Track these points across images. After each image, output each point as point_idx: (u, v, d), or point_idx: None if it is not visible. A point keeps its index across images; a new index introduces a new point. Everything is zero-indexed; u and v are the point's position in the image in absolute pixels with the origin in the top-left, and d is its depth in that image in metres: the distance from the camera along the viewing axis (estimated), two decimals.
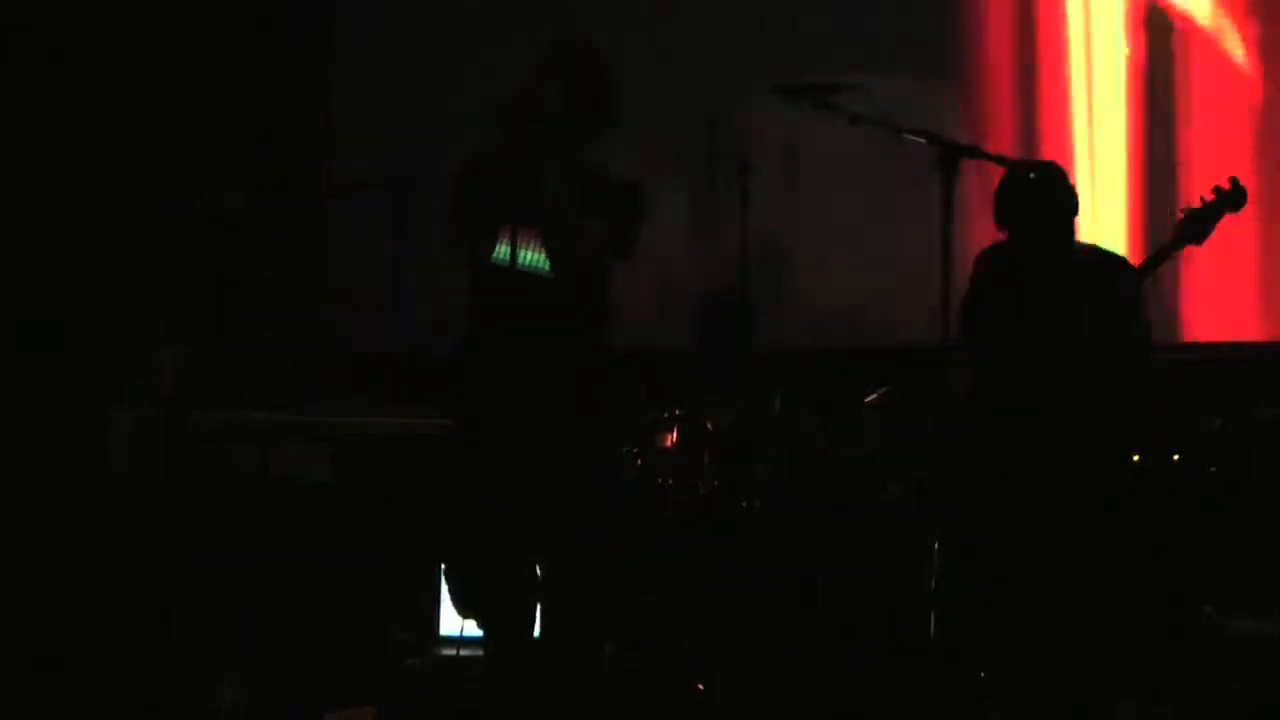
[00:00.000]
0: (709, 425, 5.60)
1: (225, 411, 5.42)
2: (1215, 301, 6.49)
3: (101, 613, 5.80)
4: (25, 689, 5.56)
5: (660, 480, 5.57)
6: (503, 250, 4.16)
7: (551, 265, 4.18)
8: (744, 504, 5.64)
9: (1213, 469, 5.67)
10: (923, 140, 4.29)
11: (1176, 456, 5.66)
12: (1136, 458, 5.46)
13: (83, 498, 5.99)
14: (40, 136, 6.86)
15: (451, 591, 4.48)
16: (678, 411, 5.64)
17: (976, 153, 4.30)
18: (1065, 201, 5.04)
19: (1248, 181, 4.87)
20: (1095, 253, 5.09)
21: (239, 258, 5.96)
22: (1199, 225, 4.83)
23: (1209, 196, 4.83)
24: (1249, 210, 4.90)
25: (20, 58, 6.90)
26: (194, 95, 7.09)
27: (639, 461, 5.61)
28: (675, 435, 5.61)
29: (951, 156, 4.24)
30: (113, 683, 5.55)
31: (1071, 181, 5.08)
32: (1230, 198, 4.83)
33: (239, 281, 5.89)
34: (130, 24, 7.03)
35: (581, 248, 4.17)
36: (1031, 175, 5.03)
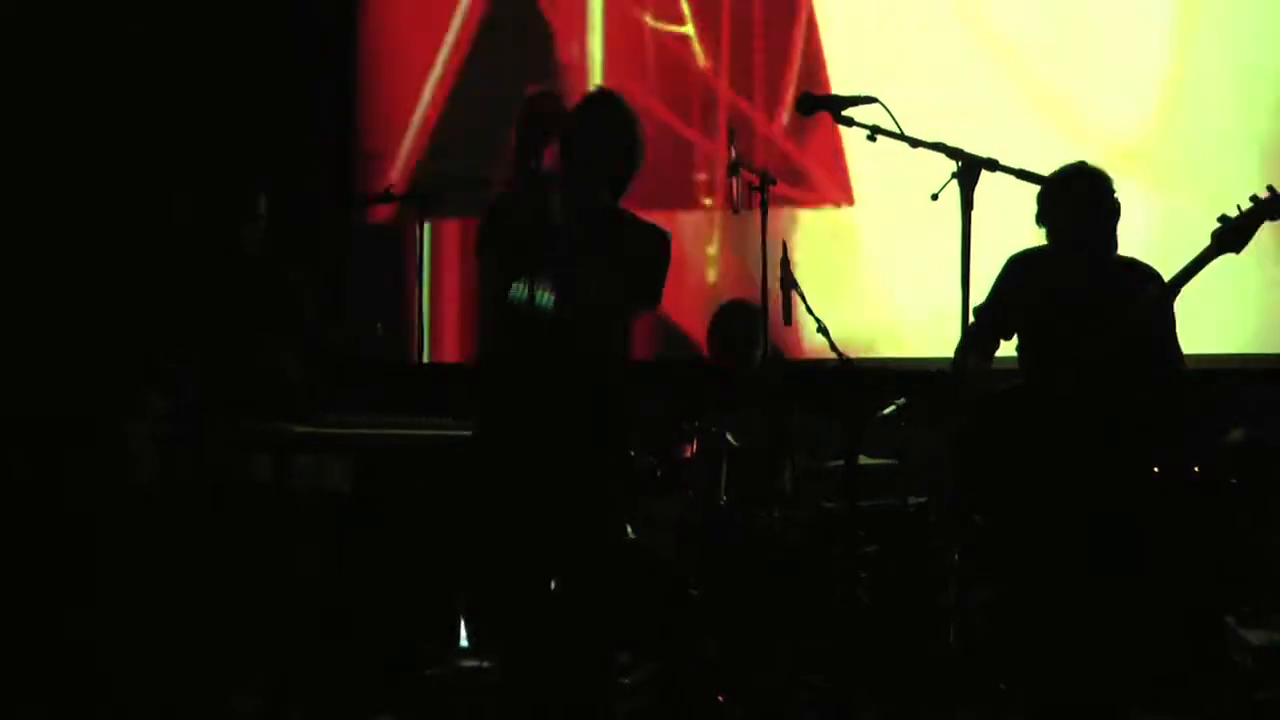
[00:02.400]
0: (729, 436, 5.60)
1: (245, 422, 5.45)
2: (1238, 313, 6.49)
3: (121, 621, 5.81)
4: (45, 695, 5.58)
5: (679, 491, 5.58)
6: (520, 290, 4.20)
7: (560, 309, 4.21)
8: (763, 515, 5.64)
9: (1235, 480, 5.65)
10: (942, 153, 4.28)
11: (1199, 468, 5.65)
12: (1158, 469, 5.44)
13: (102, 509, 6.01)
14: (61, 149, 6.90)
15: (468, 604, 4.49)
16: (697, 422, 5.63)
17: (997, 166, 4.28)
18: (1108, 206, 5.02)
19: None
20: (1129, 263, 5.08)
21: (261, 269, 5.98)
22: (1237, 235, 4.77)
23: (1245, 204, 4.79)
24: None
25: (39, 67, 6.95)
26: (217, 109, 7.14)
27: (658, 473, 5.62)
28: (695, 446, 5.61)
29: (971, 169, 4.23)
30: (132, 690, 5.57)
31: (1114, 188, 5.07)
32: (1268, 206, 4.76)
33: (260, 294, 5.90)
34: (149, 37, 7.08)
35: (591, 295, 4.19)
36: (1076, 176, 5.02)
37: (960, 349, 4.98)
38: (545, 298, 4.19)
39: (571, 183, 4.28)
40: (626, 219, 4.40)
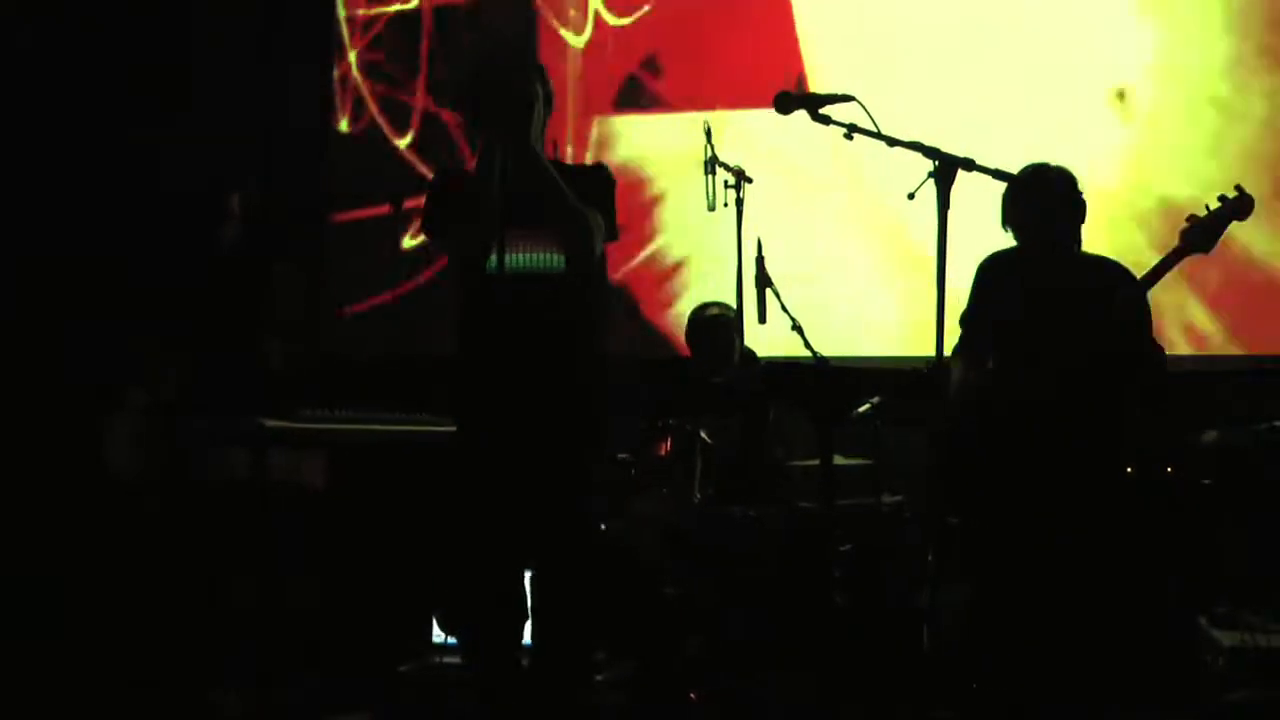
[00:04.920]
0: (704, 435, 5.60)
1: (223, 416, 5.44)
2: (1211, 313, 6.50)
3: (98, 616, 5.80)
4: (26, 691, 5.56)
5: (654, 490, 5.57)
6: (494, 261, 4.17)
7: (565, 261, 4.24)
8: (738, 513, 5.64)
9: (1207, 481, 5.67)
10: (919, 152, 4.27)
11: (1171, 468, 5.66)
12: (1131, 469, 5.45)
13: (79, 502, 6.00)
14: (46, 142, 6.89)
15: (436, 606, 4.49)
16: (672, 421, 5.63)
17: (973, 165, 4.28)
18: (1074, 206, 5.03)
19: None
20: (1099, 262, 5.08)
21: (240, 266, 5.97)
22: (1205, 234, 4.78)
23: (1214, 204, 4.79)
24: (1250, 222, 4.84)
25: (24, 63, 6.94)
26: (199, 103, 7.14)
27: (633, 471, 5.62)
28: (670, 445, 5.61)
29: (948, 169, 4.22)
30: (111, 685, 5.56)
31: (1079, 187, 5.08)
32: (1236, 206, 4.77)
33: (239, 289, 5.89)
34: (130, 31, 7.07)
35: (594, 236, 4.23)
36: (1042, 177, 5.02)
37: (954, 361, 4.99)
38: (516, 258, 4.20)
39: (504, 142, 4.24)
40: (565, 166, 4.44)
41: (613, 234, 4.42)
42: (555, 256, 4.27)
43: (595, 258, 4.36)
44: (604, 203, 4.39)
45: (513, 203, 4.16)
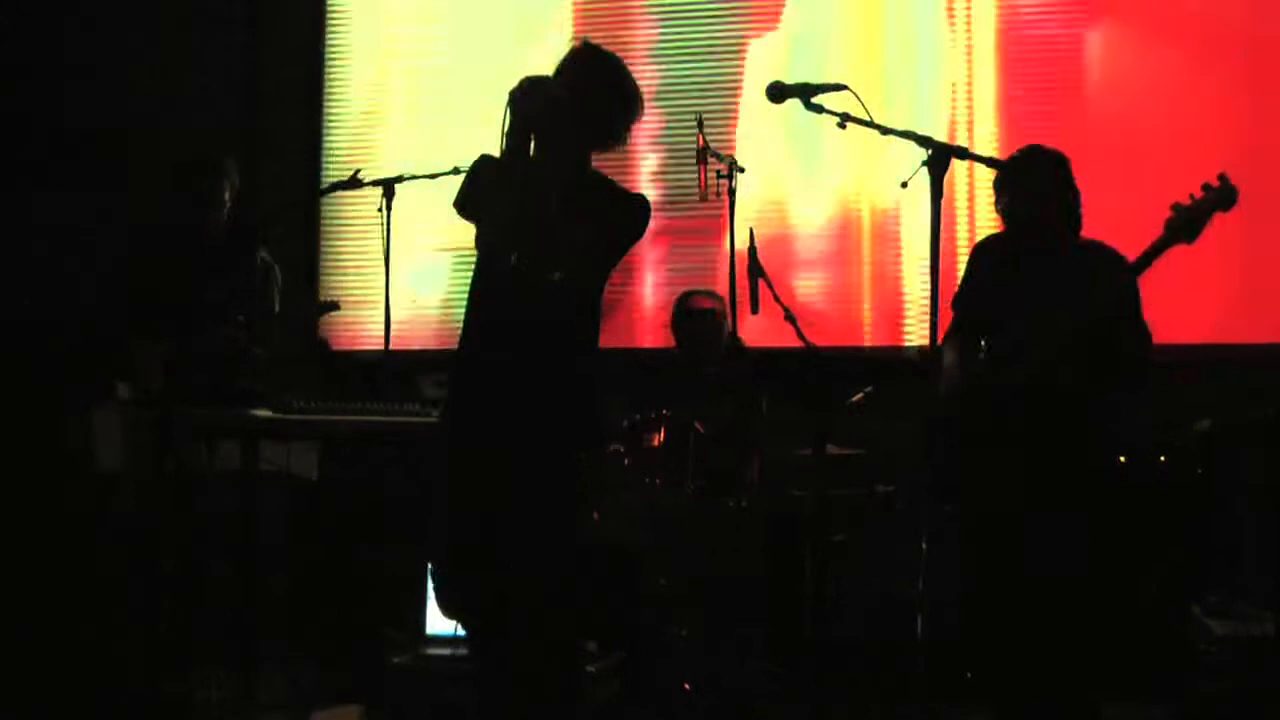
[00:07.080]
0: (696, 425, 5.60)
1: (212, 408, 5.43)
2: (1202, 303, 6.49)
3: (86, 609, 5.79)
4: (9, 684, 5.55)
5: (648, 480, 5.57)
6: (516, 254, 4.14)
7: (520, 262, 4.14)
8: (731, 504, 5.64)
9: (1199, 470, 5.67)
10: (912, 141, 4.26)
11: (1164, 458, 5.67)
12: (1123, 459, 5.45)
13: (66, 495, 5.99)
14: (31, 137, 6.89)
15: (436, 592, 4.47)
16: (665, 411, 5.63)
17: (965, 154, 4.27)
18: (1068, 191, 5.01)
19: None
20: (1093, 246, 5.06)
21: (228, 254, 5.96)
22: (1189, 224, 4.75)
23: (1198, 194, 4.76)
24: (1236, 211, 4.81)
25: (17, 58, 6.94)
26: (185, 93, 7.13)
27: (626, 462, 5.61)
28: (663, 435, 5.61)
29: (940, 157, 4.20)
30: (98, 678, 5.55)
31: (1071, 169, 5.06)
32: (1220, 196, 4.75)
33: (227, 279, 5.88)
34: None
35: (561, 249, 4.13)
36: (1034, 161, 5.01)
37: (943, 345, 4.98)
38: (520, 256, 4.12)
39: (557, 149, 4.17)
40: (607, 185, 4.34)
41: (602, 260, 4.30)
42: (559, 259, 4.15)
43: (556, 266, 4.17)
44: (620, 236, 4.30)
45: (531, 201, 4.10)
